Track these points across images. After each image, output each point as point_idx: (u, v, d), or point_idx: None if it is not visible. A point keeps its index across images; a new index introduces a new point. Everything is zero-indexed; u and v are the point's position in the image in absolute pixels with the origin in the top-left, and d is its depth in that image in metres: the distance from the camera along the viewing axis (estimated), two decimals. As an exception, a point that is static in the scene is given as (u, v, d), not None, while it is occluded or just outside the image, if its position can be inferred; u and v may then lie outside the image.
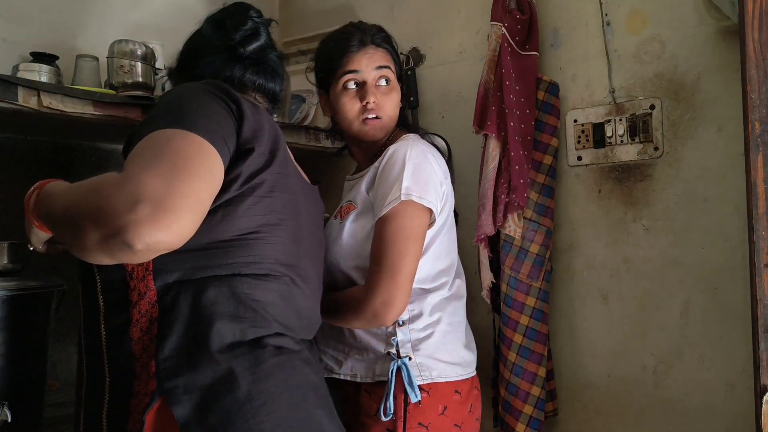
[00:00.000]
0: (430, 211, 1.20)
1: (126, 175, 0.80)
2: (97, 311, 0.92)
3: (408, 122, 1.42)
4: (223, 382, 0.87)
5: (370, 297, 1.16)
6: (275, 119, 1.59)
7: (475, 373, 1.30)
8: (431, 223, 1.22)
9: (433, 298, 1.24)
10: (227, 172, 0.91)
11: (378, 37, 1.31)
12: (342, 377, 1.26)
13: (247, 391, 0.87)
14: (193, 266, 0.90)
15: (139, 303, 0.89)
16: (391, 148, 1.22)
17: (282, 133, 1.06)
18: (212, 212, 0.89)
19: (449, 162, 1.51)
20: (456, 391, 1.23)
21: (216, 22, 1.13)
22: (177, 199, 0.78)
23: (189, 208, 0.79)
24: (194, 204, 0.81)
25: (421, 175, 1.18)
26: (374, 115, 1.27)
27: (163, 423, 0.86)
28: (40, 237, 0.96)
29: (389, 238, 1.17)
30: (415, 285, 1.21)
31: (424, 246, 1.22)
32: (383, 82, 1.29)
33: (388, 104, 1.29)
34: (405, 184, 1.17)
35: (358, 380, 1.24)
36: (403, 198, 1.16)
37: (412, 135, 1.30)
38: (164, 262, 0.88)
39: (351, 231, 1.24)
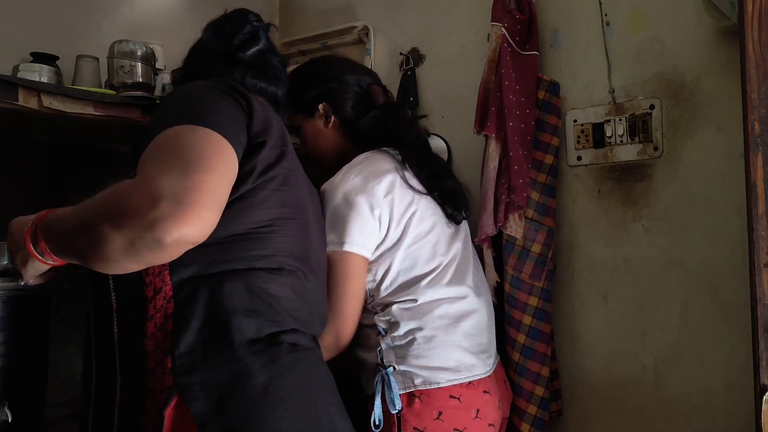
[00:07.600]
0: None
1: (141, 178, 0.80)
2: (110, 310, 0.91)
3: (361, 137, 1.41)
4: (239, 378, 0.86)
5: (328, 330, 1.20)
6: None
7: (482, 376, 1.27)
8: (379, 248, 1.26)
9: (409, 305, 1.25)
10: (241, 165, 0.91)
11: None
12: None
13: (264, 387, 0.87)
14: (208, 260, 0.89)
15: (155, 299, 0.88)
16: (322, 189, 1.28)
17: (287, 131, 1.06)
18: (228, 205, 0.88)
19: (449, 162, 1.51)
20: (452, 397, 1.21)
21: (216, 28, 1.13)
22: (196, 194, 0.78)
23: (209, 201, 0.80)
24: (213, 197, 0.81)
25: (339, 219, 1.23)
26: None
27: (182, 419, 0.85)
28: (38, 269, 0.93)
29: (330, 282, 1.22)
30: (387, 298, 1.26)
31: (390, 261, 1.26)
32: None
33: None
34: (329, 236, 1.22)
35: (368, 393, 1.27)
36: (328, 249, 1.22)
37: (356, 158, 1.33)
38: (180, 257, 0.86)
39: None
